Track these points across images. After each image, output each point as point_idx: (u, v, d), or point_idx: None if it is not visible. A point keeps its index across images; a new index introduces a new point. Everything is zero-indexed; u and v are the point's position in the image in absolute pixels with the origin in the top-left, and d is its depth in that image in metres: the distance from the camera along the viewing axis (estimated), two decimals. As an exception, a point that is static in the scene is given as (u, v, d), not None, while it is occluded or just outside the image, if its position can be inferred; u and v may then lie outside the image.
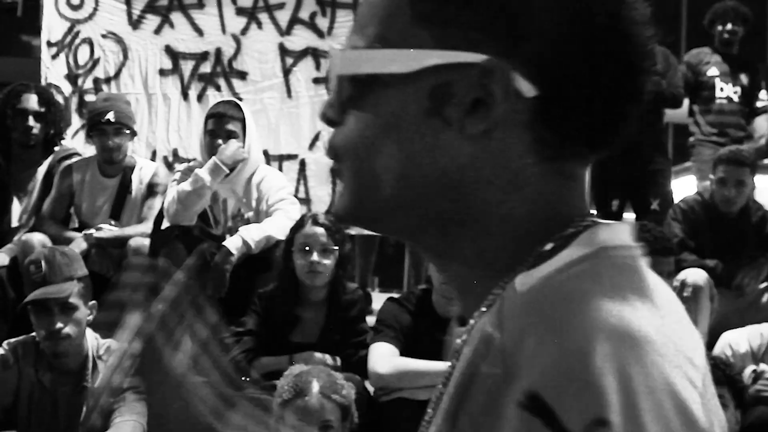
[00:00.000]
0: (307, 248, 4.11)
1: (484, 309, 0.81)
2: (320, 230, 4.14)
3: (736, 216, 5.38)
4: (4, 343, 3.83)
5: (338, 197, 0.90)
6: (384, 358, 3.88)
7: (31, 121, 5.27)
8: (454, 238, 0.84)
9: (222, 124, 4.85)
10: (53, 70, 6.01)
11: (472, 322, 0.83)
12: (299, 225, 4.22)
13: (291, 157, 5.90)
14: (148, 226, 5.00)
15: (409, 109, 0.82)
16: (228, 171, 4.76)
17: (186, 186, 4.71)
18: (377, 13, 0.85)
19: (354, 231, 5.80)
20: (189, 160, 5.55)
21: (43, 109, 5.31)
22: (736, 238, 5.31)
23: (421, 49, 0.81)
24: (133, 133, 5.28)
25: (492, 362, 0.75)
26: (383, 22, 0.84)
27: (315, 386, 3.11)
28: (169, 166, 5.75)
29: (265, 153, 5.80)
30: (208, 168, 4.74)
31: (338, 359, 4.08)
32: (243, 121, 4.91)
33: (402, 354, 3.91)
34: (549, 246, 0.80)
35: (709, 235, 5.31)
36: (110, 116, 5.05)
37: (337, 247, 4.16)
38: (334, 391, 3.13)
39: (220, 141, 4.80)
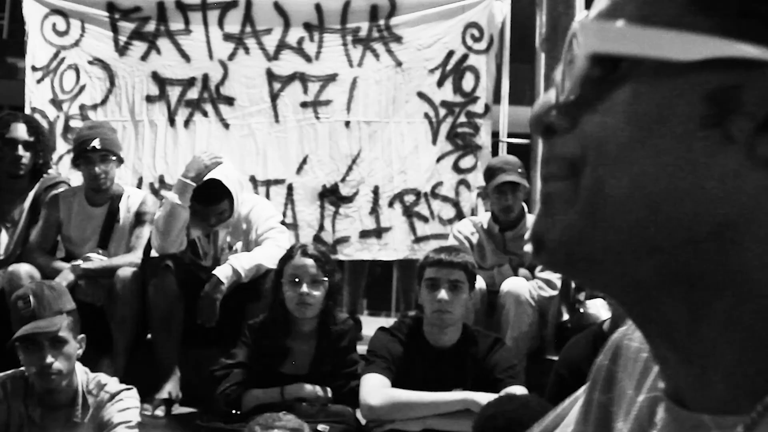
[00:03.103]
0: (296, 280, 4.09)
1: None
2: (310, 261, 4.12)
3: None
4: (-7, 378, 3.79)
5: (550, 225, 0.67)
6: (376, 389, 3.86)
7: (21, 151, 5.24)
8: (700, 306, 0.64)
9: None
10: (37, 95, 5.98)
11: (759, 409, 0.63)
12: (288, 256, 4.20)
13: (278, 181, 5.88)
14: (137, 256, 4.97)
15: (678, 113, 0.61)
16: (194, 184, 4.75)
17: (160, 212, 4.78)
18: None
19: (343, 256, 5.81)
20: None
21: (32, 139, 5.29)
22: None
23: (704, 34, 0.61)
24: (120, 160, 5.24)
25: None
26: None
27: None
28: (156, 193, 5.73)
29: (253, 178, 5.81)
30: (175, 188, 4.82)
31: (329, 390, 4.06)
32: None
33: (393, 385, 3.89)
34: None
35: None
36: (96, 143, 5.02)
37: (326, 278, 4.14)
38: None
39: None
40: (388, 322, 5.10)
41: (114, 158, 5.14)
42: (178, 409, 4.64)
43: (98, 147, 5.02)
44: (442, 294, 3.93)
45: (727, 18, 0.61)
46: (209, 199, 4.76)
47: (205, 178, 4.75)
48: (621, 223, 0.63)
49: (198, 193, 4.75)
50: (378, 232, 5.86)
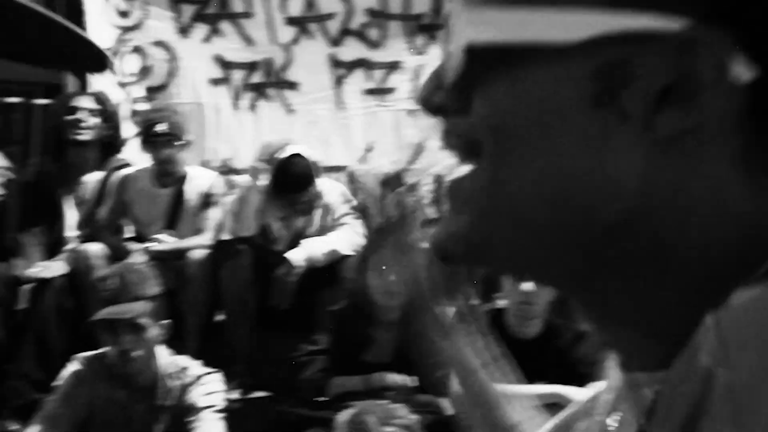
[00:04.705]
0: (384, 269, 4.06)
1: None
2: (398, 251, 4.08)
3: None
4: (79, 357, 3.79)
5: (451, 221, 0.61)
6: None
7: (85, 115, 5.25)
8: (630, 284, 0.59)
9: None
10: (101, 79, 5.95)
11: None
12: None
13: (340, 168, 5.84)
14: (206, 238, 4.95)
15: (565, 95, 0.56)
16: (267, 166, 4.81)
17: (233, 195, 4.88)
18: None
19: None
20: (239, 171, 5.53)
21: (98, 107, 5.31)
22: None
23: (587, 10, 0.54)
24: (186, 143, 5.22)
25: (717, 403, 0.52)
26: None
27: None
28: (221, 176, 5.69)
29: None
30: (249, 171, 4.94)
31: (414, 379, 4.03)
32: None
33: (477, 375, 3.85)
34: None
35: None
36: (162, 127, 5.01)
37: (412, 267, 4.09)
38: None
39: None
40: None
41: (179, 142, 5.12)
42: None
43: (164, 131, 5.01)
44: (527, 285, 3.89)
45: None
46: (295, 187, 4.74)
47: (286, 154, 4.74)
48: (528, 225, 0.58)
49: (283, 182, 4.72)
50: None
